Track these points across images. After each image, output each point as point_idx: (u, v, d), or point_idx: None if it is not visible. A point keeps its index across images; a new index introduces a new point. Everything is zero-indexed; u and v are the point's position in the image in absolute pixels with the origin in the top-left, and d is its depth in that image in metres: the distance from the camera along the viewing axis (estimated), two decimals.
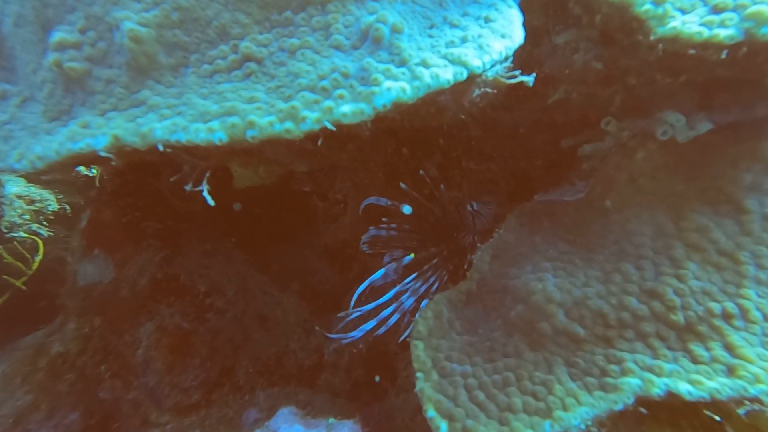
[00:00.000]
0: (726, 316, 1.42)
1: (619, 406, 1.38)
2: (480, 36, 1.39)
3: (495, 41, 1.39)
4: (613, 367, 1.45)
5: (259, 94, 1.30)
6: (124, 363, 2.54)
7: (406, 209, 2.16)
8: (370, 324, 2.15)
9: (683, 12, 1.33)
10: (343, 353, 2.71)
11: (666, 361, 1.40)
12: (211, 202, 1.44)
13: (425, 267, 2.26)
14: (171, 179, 1.49)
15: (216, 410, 2.36)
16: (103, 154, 1.28)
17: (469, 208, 2.29)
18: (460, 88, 1.45)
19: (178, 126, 1.23)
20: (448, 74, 1.32)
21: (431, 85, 1.31)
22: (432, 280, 2.24)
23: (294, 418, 1.88)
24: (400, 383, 2.43)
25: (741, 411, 1.30)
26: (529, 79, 1.67)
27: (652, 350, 1.44)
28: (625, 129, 1.68)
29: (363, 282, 2.15)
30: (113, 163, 1.27)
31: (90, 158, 1.33)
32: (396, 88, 1.28)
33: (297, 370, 2.71)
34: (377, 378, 2.57)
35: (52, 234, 3.28)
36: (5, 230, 3.07)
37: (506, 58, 1.43)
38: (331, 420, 1.89)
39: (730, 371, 1.32)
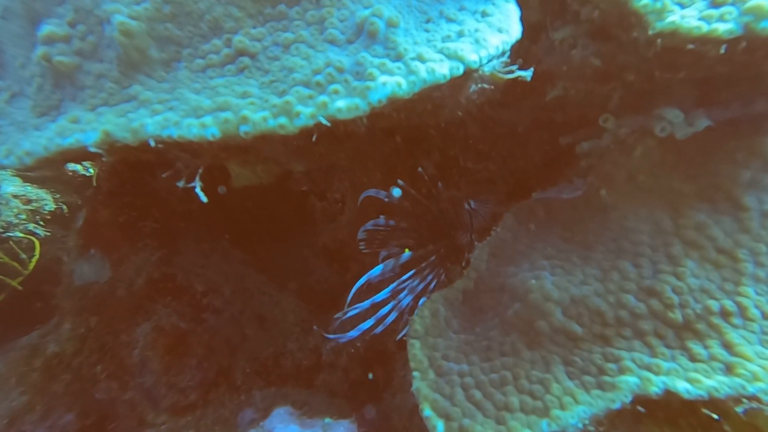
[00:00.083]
0: (724, 314, 1.40)
1: (616, 405, 1.37)
2: (477, 30, 1.38)
3: (492, 36, 1.38)
4: (611, 365, 1.44)
5: (253, 89, 1.29)
6: (120, 363, 2.52)
7: (396, 192, 2.14)
8: (368, 323, 2.14)
9: (682, 6, 1.32)
10: (341, 353, 2.70)
11: (664, 360, 1.39)
12: (204, 199, 1.42)
13: (423, 264, 2.25)
14: (163, 175, 1.47)
15: (212, 410, 2.34)
16: (92, 149, 1.26)
17: (466, 206, 2.28)
18: (456, 83, 1.44)
19: (169, 121, 1.21)
20: (444, 69, 1.30)
21: (427, 79, 1.29)
22: (429, 278, 2.23)
23: (290, 418, 1.87)
24: (398, 383, 2.42)
25: (739, 409, 1.28)
26: (527, 74, 1.66)
27: (650, 348, 1.43)
28: (623, 126, 1.67)
29: (360, 279, 2.14)
30: (104, 159, 1.25)
31: (80, 154, 1.31)
32: (391, 82, 1.27)
33: (294, 370, 2.69)
34: (370, 375, 2.55)
35: (48, 234, 3.27)
36: (1, 230, 3.06)
37: (503, 53, 1.42)
38: (327, 420, 1.87)
39: (729, 369, 1.31)
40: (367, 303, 2.12)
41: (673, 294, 1.46)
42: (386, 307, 2.15)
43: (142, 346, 2.46)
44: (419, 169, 2.35)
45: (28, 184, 3.29)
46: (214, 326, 2.59)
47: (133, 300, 2.53)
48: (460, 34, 1.37)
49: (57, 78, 1.39)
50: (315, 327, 2.69)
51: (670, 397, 1.33)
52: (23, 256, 3.10)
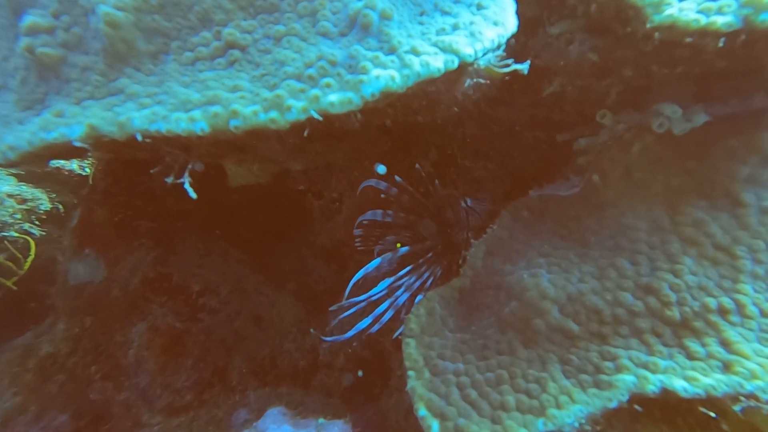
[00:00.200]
0: (722, 312, 1.38)
1: (613, 404, 1.35)
2: (472, 23, 1.36)
3: (487, 29, 1.36)
4: (608, 364, 1.42)
5: (243, 82, 1.27)
6: (115, 364, 2.50)
7: (381, 169, 2.12)
8: (364, 323, 2.12)
9: None
10: (338, 353, 2.69)
11: (661, 358, 1.37)
12: (194, 196, 1.40)
13: (420, 261, 2.23)
14: (151, 171, 1.45)
15: (205, 411, 2.33)
16: (77, 144, 1.23)
17: (462, 204, 2.27)
18: (451, 77, 1.42)
19: (157, 115, 1.19)
20: (438, 62, 1.28)
21: (421, 73, 1.27)
22: (426, 275, 2.21)
23: (283, 418, 1.85)
24: (394, 383, 2.41)
25: (737, 408, 1.27)
26: (524, 67, 1.63)
27: (647, 346, 1.41)
28: (620, 122, 1.65)
29: (357, 273, 2.12)
30: (90, 154, 1.22)
31: (65, 149, 1.29)
32: (385, 76, 1.25)
33: (291, 371, 2.68)
34: (360, 372, 2.54)
35: (44, 233, 3.25)
36: None
37: (499, 47, 1.40)
38: (321, 420, 1.85)
39: (726, 367, 1.29)
40: (363, 297, 2.11)
41: (671, 291, 1.44)
42: (383, 304, 2.13)
43: (138, 346, 2.45)
44: (417, 165, 2.34)
45: (23, 183, 3.28)
46: (211, 326, 2.57)
47: (129, 300, 2.51)
48: (455, 27, 1.35)
49: (41, 70, 1.37)
50: (312, 330, 2.67)
51: (667, 395, 1.31)
52: (18, 255, 3.08)
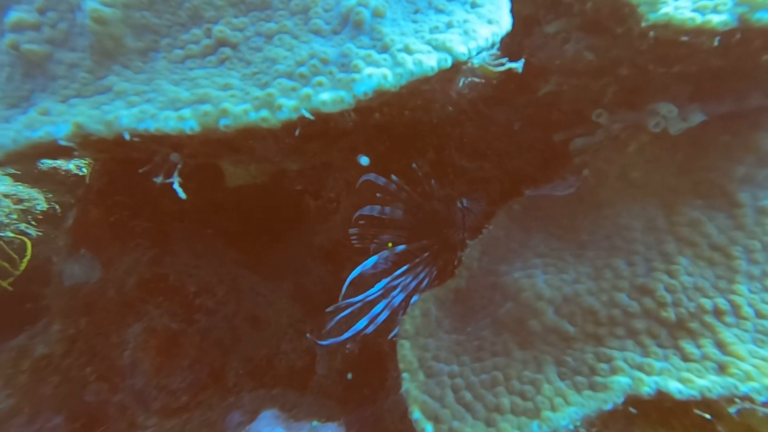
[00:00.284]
0: (717, 313, 1.37)
1: (608, 406, 1.34)
2: (466, 21, 1.35)
3: (481, 27, 1.35)
4: (603, 365, 1.41)
5: (234, 80, 1.25)
6: (110, 365, 2.49)
7: (364, 160, 2.11)
8: (360, 325, 2.11)
9: None
10: (336, 354, 2.68)
11: (656, 359, 1.36)
12: (183, 196, 1.38)
13: (416, 261, 2.22)
14: (140, 170, 1.43)
15: (199, 413, 2.31)
16: (63, 143, 1.22)
17: (458, 204, 2.25)
18: (445, 76, 1.42)
19: (146, 113, 1.17)
20: (432, 61, 1.27)
21: (414, 71, 1.26)
22: (422, 276, 2.20)
23: (276, 421, 1.83)
24: (391, 383, 2.39)
25: (732, 410, 1.25)
26: (518, 66, 1.62)
27: (643, 348, 1.40)
28: (616, 121, 1.64)
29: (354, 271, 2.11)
30: (76, 154, 1.21)
31: (52, 148, 1.27)
32: (377, 74, 1.24)
33: (288, 372, 2.67)
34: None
35: (40, 234, 3.24)
36: None
37: (493, 45, 1.39)
38: (315, 423, 1.84)
39: (722, 369, 1.27)
40: (359, 298, 2.09)
41: (666, 292, 1.43)
42: (379, 305, 2.12)
43: (133, 348, 2.43)
44: (413, 164, 2.33)
45: (19, 183, 3.26)
46: (207, 327, 2.56)
47: (124, 300, 2.50)
48: (449, 25, 1.34)
49: (27, 67, 1.35)
50: (308, 335, 2.66)
51: (662, 397, 1.29)
52: (14, 256, 3.07)
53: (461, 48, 1.29)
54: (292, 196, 2.98)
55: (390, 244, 2.20)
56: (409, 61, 1.26)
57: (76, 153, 1.27)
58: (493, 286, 1.74)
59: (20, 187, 3.25)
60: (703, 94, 1.53)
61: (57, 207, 3.41)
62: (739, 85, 1.50)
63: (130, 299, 2.49)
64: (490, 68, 1.60)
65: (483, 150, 2.40)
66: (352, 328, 2.09)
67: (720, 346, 1.33)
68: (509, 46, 1.74)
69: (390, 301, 2.12)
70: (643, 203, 1.59)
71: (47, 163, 3.38)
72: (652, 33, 1.32)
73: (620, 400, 1.33)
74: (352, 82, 1.23)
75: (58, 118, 1.23)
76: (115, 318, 2.49)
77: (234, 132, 1.21)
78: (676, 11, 1.26)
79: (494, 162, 2.40)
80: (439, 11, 1.38)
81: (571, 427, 1.36)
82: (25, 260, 3.10)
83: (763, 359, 1.27)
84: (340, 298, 2.09)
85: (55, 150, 1.25)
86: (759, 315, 1.34)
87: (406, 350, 1.67)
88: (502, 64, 1.63)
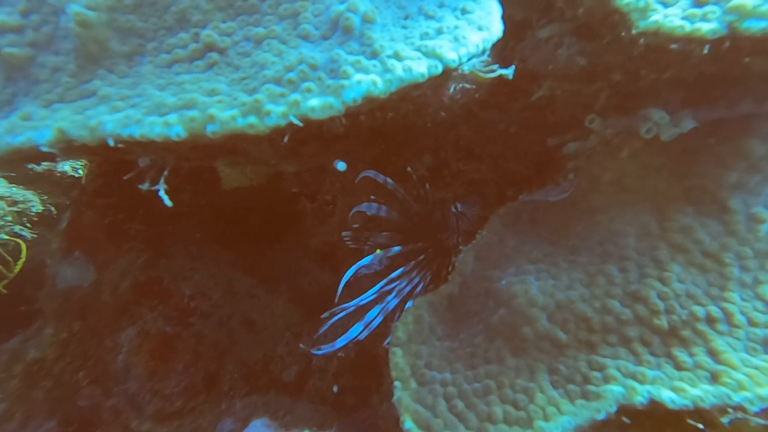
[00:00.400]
0: (710, 321, 1.36)
1: (601, 416, 1.33)
2: (456, 28, 1.34)
3: (472, 33, 1.33)
4: (596, 373, 1.40)
5: (221, 86, 1.24)
6: (103, 369, 2.48)
7: (341, 166, 2.10)
8: (354, 332, 2.10)
9: (665, 5, 1.29)
10: (332, 358, 2.66)
11: (649, 368, 1.35)
12: (169, 203, 1.37)
13: (411, 264, 2.21)
14: (124, 177, 1.42)
15: (190, 420, 2.30)
16: (45, 149, 1.20)
17: (453, 209, 2.24)
18: (436, 82, 1.40)
19: (130, 119, 1.16)
20: (421, 67, 1.26)
21: (404, 78, 1.25)
22: (417, 280, 2.19)
23: (267, 430, 1.82)
24: (385, 389, 2.38)
25: (725, 420, 1.24)
26: (508, 72, 1.61)
27: (636, 356, 1.39)
28: (609, 127, 1.63)
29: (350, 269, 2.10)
30: (58, 160, 1.19)
31: (35, 154, 1.25)
32: (367, 81, 1.22)
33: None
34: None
35: (35, 236, 3.23)
36: None
37: (483, 52, 1.37)
38: (306, 431, 1.82)
39: (714, 378, 1.26)
40: (353, 303, 2.08)
41: (659, 300, 1.42)
42: (373, 310, 2.11)
43: (127, 351, 2.42)
44: (408, 168, 2.32)
45: (14, 185, 3.25)
46: (202, 330, 2.55)
47: (118, 304, 2.48)
48: (439, 32, 1.33)
49: (9, 71, 1.33)
50: (301, 345, 2.64)
51: (655, 407, 1.28)
52: (8, 259, 3.05)
53: (451, 54, 1.28)
54: (288, 198, 2.97)
55: (378, 251, 2.19)
56: (398, 67, 1.24)
57: (58, 158, 1.25)
58: (486, 292, 1.73)
59: (15, 188, 3.24)
60: (695, 100, 1.53)
61: (52, 209, 3.39)
62: (730, 91, 1.50)
63: (125, 302, 2.48)
64: (481, 75, 1.59)
65: (479, 152, 2.39)
66: (345, 336, 2.08)
67: (712, 354, 1.32)
68: (502, 50, 1.73)
69: (384, 306, 2.11)
70: (636, 209, 1.58)
71: (43, 165, 3.37)
72: (642, 40, 1.31)
73: (613, 409, 1.32)
74: (341, 88, 1.22)
75: (40, 123, 1.22)
76: (108, 321, 2.48)
77: (221, 138, 1.20)
78: (665, 19, 1.25)
79: (490, 164, 2.39)
80: (429, 17, 1.36)
81: None
82: (20, 262, 3.08)
83: (756, 368, 1.27)
84: (336, 299, 2.08)
85: (37, 155, 1.24)
86: (751, 323, 1.33)
87: (398, 358, 1.66)
88: (493, 71, 1.61)
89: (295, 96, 1.21)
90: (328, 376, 2.66)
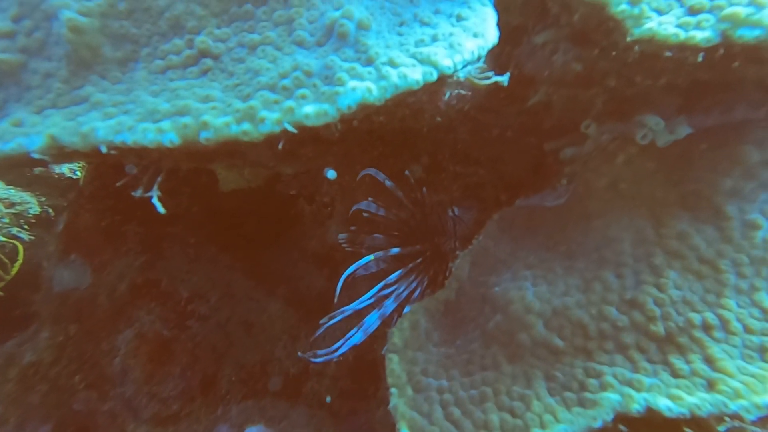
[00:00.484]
0: (706, 327, 1.36)
1: (598, 423, 1.32)
2: (451, 35, 1.33)
3: (467, 40, 1.33)
4: (593, 380, 1.39)
5: (215, 92, 1.23)
6: (100, 373, 2.47)
7: (330, 174, 2.10)
8: (353, 340, 2.09)
9: (660, 13, 1.29)
10: (330, 361, 2.65)
11: (646, 375, 1.34)
12: (162, 210, 1.36)
13: (409, 267, 2.20)
14: (117, 184, 1.41)
15: (185, 426, 2.29)
16: (36, 156, 1.19)
17: (450, 213, 2.24)
18: (431, 88, 1.40)
19: (123, 125, 1.15)
20: (416, 74, 1.25)
21: (399, 85, 1.24)
22: (414, 285, 2.18)
23: None
24: (382, 394, 2.38)
25: (721, 428, 1.24)
26: (503, 79, 1.61)
27: (632, 363, 1.38)
28: (604, 132, 1.63)
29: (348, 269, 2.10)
30: (51, 166, 1.18)
31: (27, 160, 1.24)
32: (361, 88, 1.22)
33: (282, 379, 2.65)
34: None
35: (33, 238, 3.22)
36: None
37: (479, 59, 1.37)
38: None
39: (710, 386, 1.26)
40: (351, 306, 2.08)
41: (655, 306, 1.41)
42: (371, 315, 2.10)
43: (124, 354, 2.41)
44: (406, 172, 2.31)
45: (11, 186, 3.24)
46: (199, 333, 2.54)
47: (115, 306, 2.48)
48: (434, 39, 1.32)
49: (0, 77, 1.31)
50: (299, 353, 2.64)
51: (652, 414, 1.28)
52: (6, 261, 3.05)
53: (446, 62, 1.28)
54: (286, 200, 2.96)
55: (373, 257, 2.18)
56: (393, 74, 1.24)
57: (50, 164, 1.24)
58: (482, 297, 1.73)
59: (12, 190, 3.23)
60: (691, 106, 1.53)
61: (50, 211, 3.39)
62: (725, 98, 1.49)
63: (122, 305, 2.47)
64: (476, 81, 1.59)
65: (476, 155, 2.38)
66: (343, 342, 2.07)
67: (709, 361, 1.31)
68: (498, 55, 1.73)
69: (382, 311, 2.10)
70: (632, 215, 1.57)
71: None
72: (636, 47, 1.32)
73: (610, 417, 1.31)
74: (336, 95, 1.21)
75: (32, 130, 1.21)
76: (105, 324, 2.47)
77: (215, 145, 1.20)
78: (659, 27, 1.25)
79: (487, 168, 2.39)
80: (425, 24, 1.36)
81: None
82: (17, 265, 3.08)
83: (752, 376, 1.26)
84: (335, 300, 2.08)
85: (29, 162, 1.23)
86: (747, 330, 1.33)
87: (394, 364, 1.66)
88: (488, 78, 1.61)
89: (290, 103, 1.21)
90: (326, 379, 2.65)
